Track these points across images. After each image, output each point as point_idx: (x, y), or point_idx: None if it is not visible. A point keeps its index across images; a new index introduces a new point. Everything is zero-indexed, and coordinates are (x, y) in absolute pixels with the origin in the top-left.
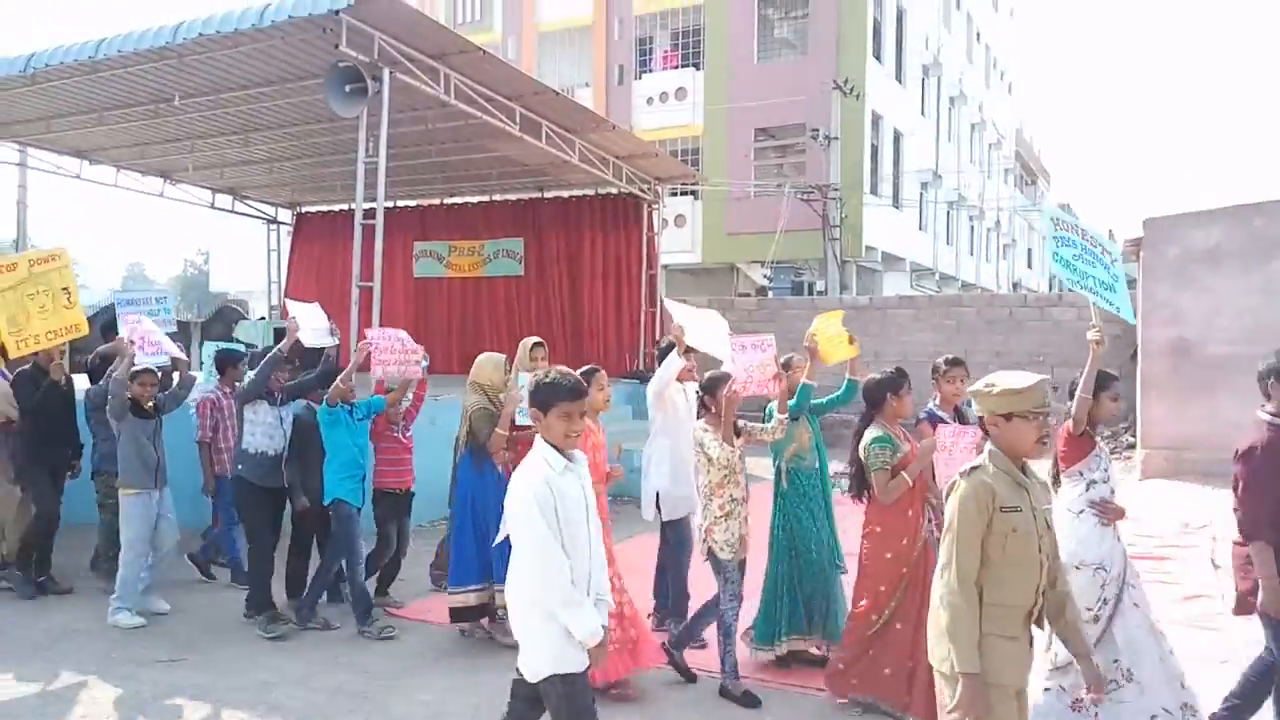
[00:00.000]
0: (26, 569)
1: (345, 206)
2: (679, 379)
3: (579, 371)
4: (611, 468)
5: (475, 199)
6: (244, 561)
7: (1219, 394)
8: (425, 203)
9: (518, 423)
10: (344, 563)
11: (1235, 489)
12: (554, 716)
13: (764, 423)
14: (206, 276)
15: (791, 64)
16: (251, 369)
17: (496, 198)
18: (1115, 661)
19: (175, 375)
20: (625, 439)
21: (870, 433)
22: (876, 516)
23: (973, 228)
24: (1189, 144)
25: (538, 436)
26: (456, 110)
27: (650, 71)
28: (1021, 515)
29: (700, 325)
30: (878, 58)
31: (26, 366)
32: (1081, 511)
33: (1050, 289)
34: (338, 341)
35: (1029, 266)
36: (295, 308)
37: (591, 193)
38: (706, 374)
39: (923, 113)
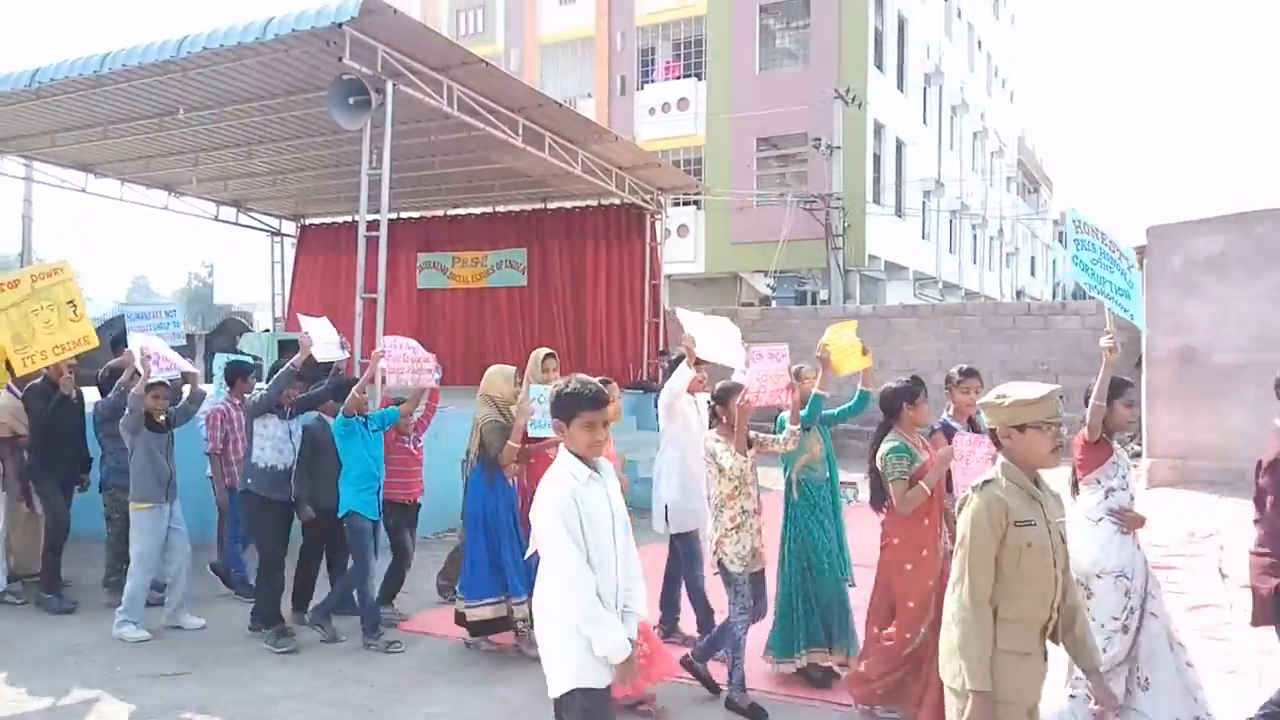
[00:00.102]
0: (51, 586)
1: (349, 218)
2: (689, 390)
3: None
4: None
5: (478, 210)
6: (249, 575)
7: (1225, 402)
8: (428, 214)
9: (529, 435)
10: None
11: (1259, 502)
12: None
13: (775, 433)
14: (211, 289)
15: (793, 74)
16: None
17: (499, 209)
18: (1134, 670)
19: (185, 389)
20: (629, 450)
21: (887, 442)
22: (894, 528)
23: (975, 236)
24: (1192, 151)
25: (561, 447)
26: (459, 122)
27: (652, 82)
28: (1036, 529)
29: (712, 335)
30: (879, 67)
31: (37, 380)
32: (1100, 519)
33: (1054, 297)
34: (348, 355)
35: (1032, 275)
36: (306, 322)
37: (594, 203)
38: (719, 384)
39: (925, 121)
